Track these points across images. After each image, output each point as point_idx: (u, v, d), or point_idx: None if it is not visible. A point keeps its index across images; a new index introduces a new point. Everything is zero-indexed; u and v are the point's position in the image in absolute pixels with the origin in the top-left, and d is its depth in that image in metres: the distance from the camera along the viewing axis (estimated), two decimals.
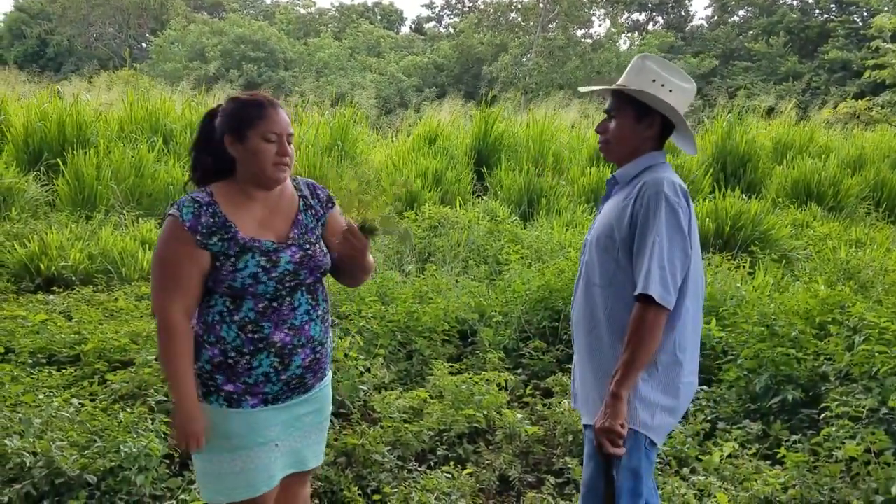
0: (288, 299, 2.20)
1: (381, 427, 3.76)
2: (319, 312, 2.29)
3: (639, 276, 2.16)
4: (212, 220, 2.14)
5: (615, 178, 2.42)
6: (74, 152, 8.44)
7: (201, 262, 2.13)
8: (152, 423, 3.38)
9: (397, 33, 43.98)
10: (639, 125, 2.34)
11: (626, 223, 2.24)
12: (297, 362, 2.22)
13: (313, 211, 2.33)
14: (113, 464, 3.07)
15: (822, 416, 3.74)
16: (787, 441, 3.68)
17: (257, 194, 2.23)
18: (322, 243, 2.32)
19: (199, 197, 2.17)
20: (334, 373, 3.67)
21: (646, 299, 2.14)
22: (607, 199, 2.45)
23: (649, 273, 2.13)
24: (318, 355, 2.29)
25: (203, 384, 2.19)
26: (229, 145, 2.20)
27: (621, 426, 2.13)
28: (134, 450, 3.07)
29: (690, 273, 2.24)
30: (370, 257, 2.32)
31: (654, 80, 2.30)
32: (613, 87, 2.36)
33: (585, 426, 2.37)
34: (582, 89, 2.64)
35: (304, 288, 2.24)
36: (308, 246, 2.25)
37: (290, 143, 2.22)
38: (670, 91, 2.30)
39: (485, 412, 3.92)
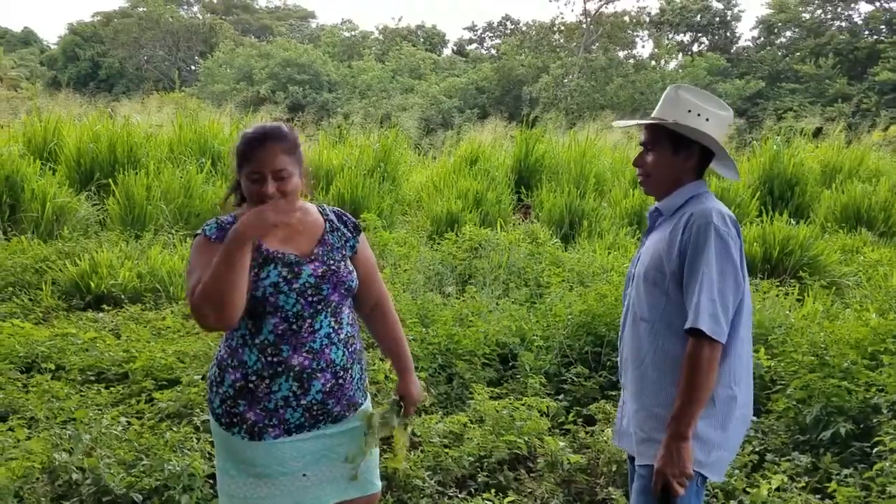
0: (309, 321, 2.21)
1: (422, 451, 3.75)
2: (342, 336, 2.28)
3: (689, 309, 2.13)
4: None
5: (659, 210, 2.39)
6: (125, 173, 8.64)
7: None
8: (197, 443, 3.43)
9: (439, 55, 44.36)
10: (677, 157, 2.32)
11: (675, 255, 2.21)
12: (316, 387, 2.22)
13: (340, 233, 2.37)
14: (158, 482, 3.12)
15: (875, 449, 3.63)
16: (838, 475, 3.58)
17: None
18: (348, 262, 2.35)
19: (224, 219, 2.24)
20: (374, 395, 3.66)
21: (697, 334, 2.10)
22: (651, 231, 2.42)
23: (699, 306, 2.10)
24: (340, 381, 2.27)
25: (226, 413, 2.22)
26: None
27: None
28: (178, 469, 3.11)
29: (743, 303, 2.21)
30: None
31: (689, 111, 2.28)
32: (649, 121, 2.34)
33: (640, 465, 2.31)
34: (616, 124, 2.62)
35: (328, 310, 2.25)
36: (332, 262, 2.28)
37: (281, 179, 2.15)
38: (707, 120, 2.28)
39: (526, 439, 3.89)
